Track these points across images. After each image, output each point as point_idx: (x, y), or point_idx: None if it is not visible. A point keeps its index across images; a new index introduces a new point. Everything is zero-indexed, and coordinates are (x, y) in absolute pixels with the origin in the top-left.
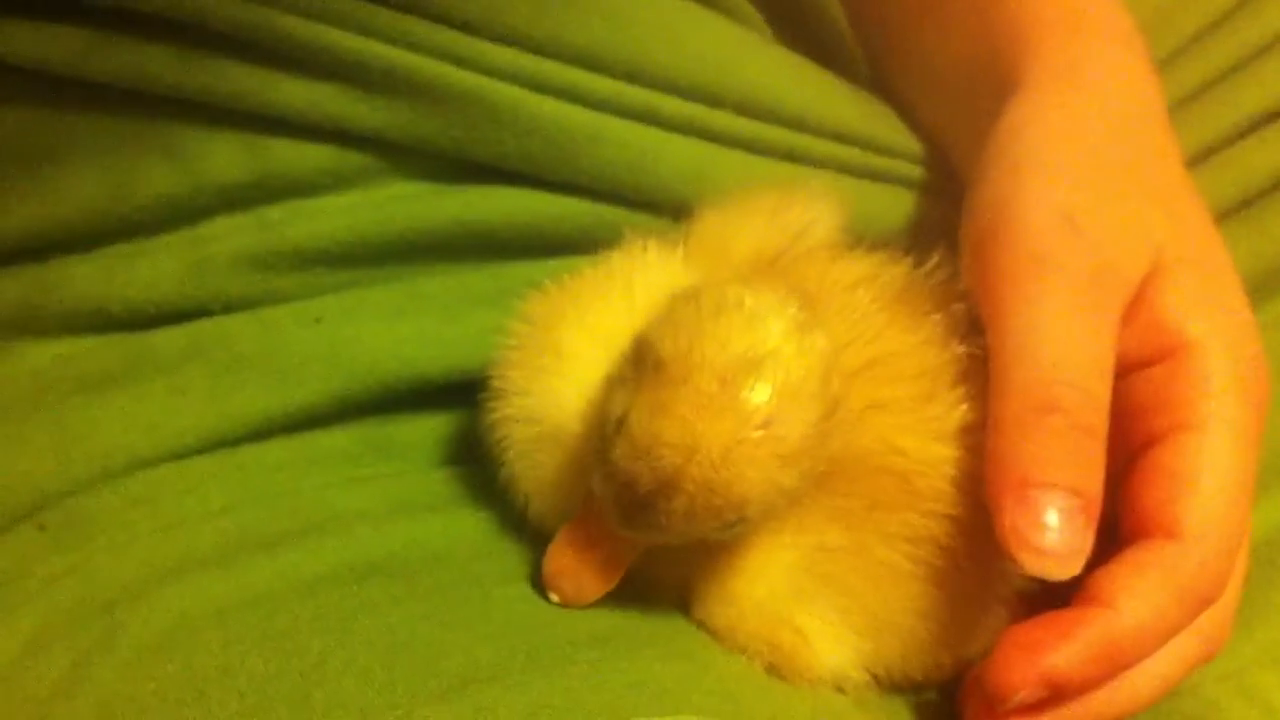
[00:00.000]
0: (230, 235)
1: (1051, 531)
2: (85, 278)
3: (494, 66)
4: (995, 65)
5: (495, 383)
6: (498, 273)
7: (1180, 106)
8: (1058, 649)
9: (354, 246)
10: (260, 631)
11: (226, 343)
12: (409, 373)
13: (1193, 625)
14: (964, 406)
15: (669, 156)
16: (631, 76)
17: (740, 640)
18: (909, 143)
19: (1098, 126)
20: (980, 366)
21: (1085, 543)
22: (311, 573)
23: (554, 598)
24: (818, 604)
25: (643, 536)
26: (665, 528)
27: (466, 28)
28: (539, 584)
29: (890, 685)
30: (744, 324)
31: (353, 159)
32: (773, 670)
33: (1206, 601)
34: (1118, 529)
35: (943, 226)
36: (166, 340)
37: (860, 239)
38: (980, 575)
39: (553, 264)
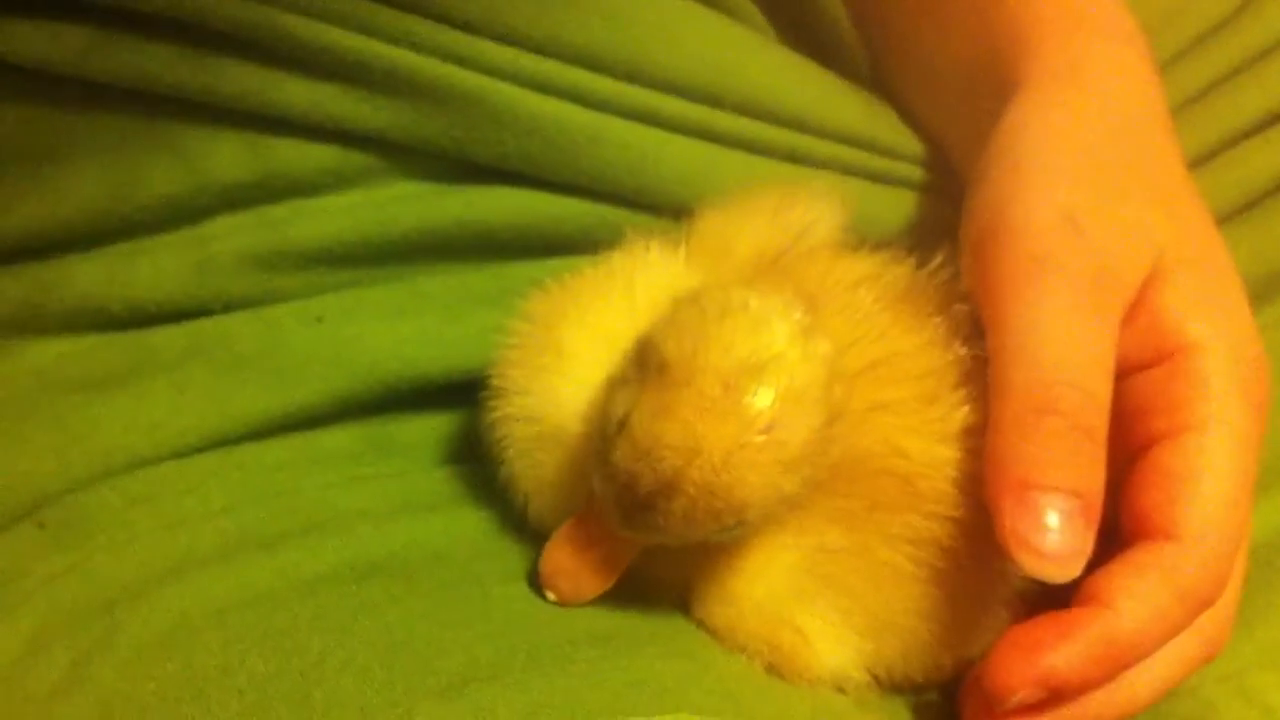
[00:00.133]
0: (232, 235)
1: (1051, 533)
2: (87, 277)
3: (495, 66)
4: (996, 65)
5: (496, 381)
6: (499, 273)
7: (1183, 108)
8: (1057, 649)
9: (356, 246)
10: (260, 631)
11: (228, 342)
12: (410, 372)
13: (1192, 626)
14: (967, 408)
15: (670, 157)
16: (632, 77)
17: (740, 640)
18: (911, 143)
19: (1099, 127)
20: (983, 368)
21: (1085, 544)
22: (312, 572)
23: (550, 596)
24: (819, 604)
25: (642, 537)
26: (665, 529)
27: (468, 28)
28: (536, 582)
29: (891, 686)
30: (749, 328)
31: (355, 159)
32: (773, 670)
33: (1206, 603)
34: (1118, 530)
35: (945, 227)
36: (167, 339)
37: (863, 240)
38: (981, 576)
39: (553, 264)
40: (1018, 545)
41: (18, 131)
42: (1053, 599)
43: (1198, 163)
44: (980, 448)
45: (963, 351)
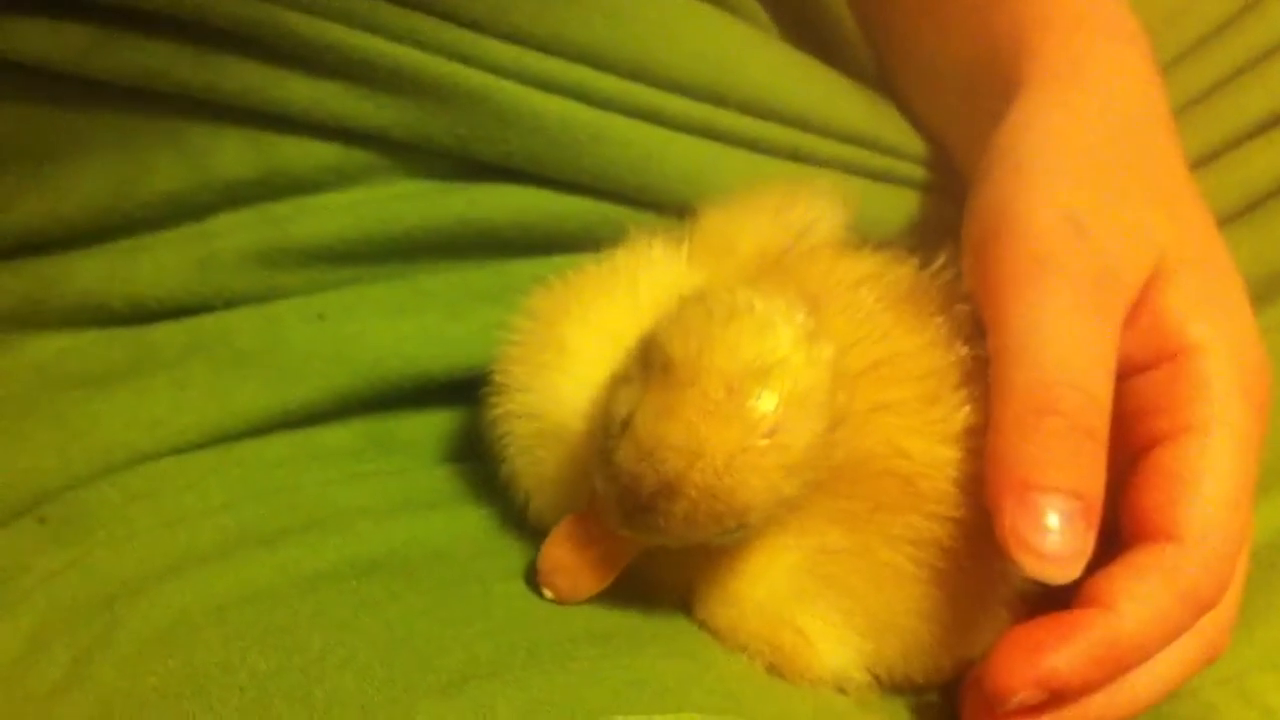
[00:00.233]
0: (235, 231)
1: (1052, 534)
2: (89, 273)
3: (498, 65)
4: (997, 65)
5: (497, 378)
6: (501, 270)
7: (1185, 109)
8: (1058, 651)
9: (358, 244)
10: (261, 628)
11: (229, 338)
12: (411, 370)
13: (1194, 628)
14: (968, 409)
15: (673, 155)
16: (635, 75)
17: (742, 641)
18: (914, 142)
19: (1100, 127)
20: (985, 368)
21: (1086, 545)
22: (312, 569)
23: (548, 593)
24: (820, 605)
25: (643, 537)
26: (665, 530)
27: (472, 26)
28: (534, 579)
29: (891, 686)
30: (754, 331)
31: (358, 156)
32: (774, 671)
33: (1207, 604)
34: (1119, 532)
35: (947, 227)
36: (169, 335)
37: (865, 239)
38: (982, 577)
39: (556, 261)
40: (1018, 546)
41: (20, 129)
42: (1053, 600)
43: (1200, 164)
44: (982, 448)
45: (964, 352)
